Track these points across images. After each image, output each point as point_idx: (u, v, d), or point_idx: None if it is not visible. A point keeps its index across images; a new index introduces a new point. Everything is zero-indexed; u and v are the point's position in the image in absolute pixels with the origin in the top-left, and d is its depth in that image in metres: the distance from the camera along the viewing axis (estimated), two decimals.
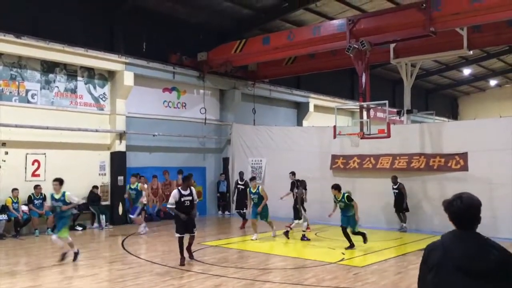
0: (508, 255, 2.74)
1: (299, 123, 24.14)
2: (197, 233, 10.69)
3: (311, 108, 24.37)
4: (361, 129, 14.03)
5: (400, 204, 14.68)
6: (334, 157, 16.99)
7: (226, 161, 20.42)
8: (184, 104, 19.28)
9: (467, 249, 2.80)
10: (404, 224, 14.75)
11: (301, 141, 18.18)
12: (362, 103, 14.17)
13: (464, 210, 2.92)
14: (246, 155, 19.67)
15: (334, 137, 14.59)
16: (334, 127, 14.57)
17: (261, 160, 19.25)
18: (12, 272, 9.59)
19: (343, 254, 11.05)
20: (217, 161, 20.59)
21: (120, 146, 16.70)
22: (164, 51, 18.11)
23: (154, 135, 17.62)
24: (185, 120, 19.09)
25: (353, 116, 25.21)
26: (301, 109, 24.53)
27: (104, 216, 15.80)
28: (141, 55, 17.14)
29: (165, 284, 8.21)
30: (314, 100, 24.46)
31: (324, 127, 17.33)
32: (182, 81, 18.77)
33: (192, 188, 10.34)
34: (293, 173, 15.28)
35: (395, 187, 14.73)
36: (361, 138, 13.98)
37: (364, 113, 14.24)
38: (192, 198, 10.05)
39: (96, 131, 16.13)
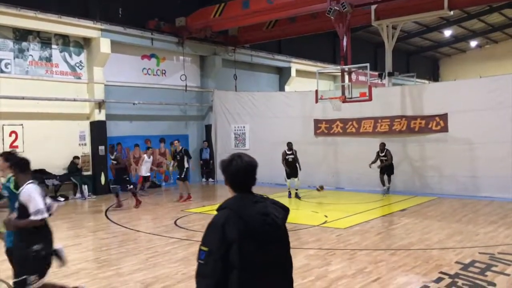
0: (288, 212, 2.69)
1: (281, 88, 23.99)
2: (181, 200, 10.72)
3: (293, 73, 24.18)
4: (343, 93, 13.98)
5: (390, 170, 14.46)
6: (317, 122, 16.99)
7: (208, 128, 20.29)
8: (163, 71, 18.94)
9: (263, 211, 2.57)
10: (388, 185, 14.73)
11: (283, 106, 18.10)
12: (344, 66, 14.07)
13: (247, 169, 2.66)
14: (229, 122, 19.56)
15: (316, 101, 14.54)
16: (316, 91, 14.49)
17: (244, 127, 19.17)
18: None
19: (326, 217, 11.19)
20: (200, 128, 20.45)
21: (100, 115, 16.41)
22: (141, 17, 17.61)
23: (134, 104, 17.34)
24: (165, 87, 18.80)
25: (335, 80, 25.16)
26: (283, 74, 24.33)
27: (86, 186, 15.67)
28: (117, 21, 16.64)
29: (149, 251, 8.23)
30: (295, 65, 24.24)
31: (306, 92, 17.25)
32: (161, 47, 18.36)
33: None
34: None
35: (382, 154, 14.40)
36: (343, 102, 13.96)
37: (346, 77, 14.16)
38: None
39: (74, 100, 15.78)
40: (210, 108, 20.27)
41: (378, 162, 14.33)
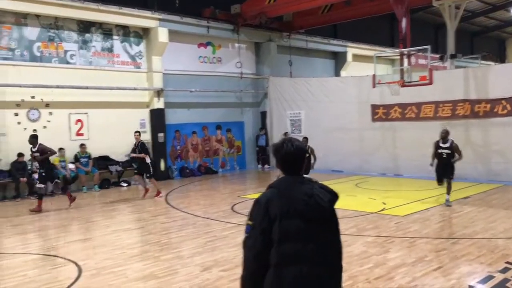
0: (336, 196, 2.82)
1: (337, 73, 23.60)
2: (237, 187, 10.99)
3: (349, 57, 23.71)
4: (402, 77, 13.55)
5: (450, 171, 10.49)
6: (374, 107, 16.59)
7: (264, 115, 20.35)
8: (219, 59, 19.14)
9: (307, 193, 2.70)
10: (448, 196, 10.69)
11: (339, 92, 17.81)
12: (403, 49, 13.60)
13: (296, 153, 2.80)
14: (284, 108, 19.51)
15: (374, 86, 14.19)
16: (373, 75, 14.14)
17: (299, 113, 19.06)
18: (64, 226, 10.08)
19: (384, 204, 10.97)
20: (255, 115, 20.54)
21: (159, 104, 16.88)
22: (197, 5, 17.84)
23: (191, 91, 17.66)
24: (221, 75, 19.01)
25: (393, 64, 24.36)
26: (338, 59, 23.92)
27: None
28: (174, 11, 16.96)
29: (208, 236, 8.42)
30: (352, 49, 23.74)
31: (363, 77, 16.85)
32: (216, 35, 18.55)
33: None
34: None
35: (444, 145, 10.49)
36: (401, 86, 13.53)
37: (405, 60, 13.69)
38: None
39: (134, 89, 16.31)
40: (265, 95, 20.29)
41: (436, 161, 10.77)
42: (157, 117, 16.92)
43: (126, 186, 15.68)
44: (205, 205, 11.92)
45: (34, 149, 11.48)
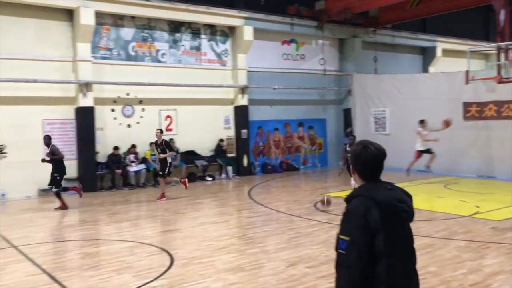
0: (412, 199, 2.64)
1: (425, 69, 22.64)
2: (319, 184, 11.10)
3: (439, 53, 22.64)
4: (499, 73, 12.74)
5: None
6: (467, 105, 15.70)
7: (346, 112, 20.03)
8: (302, 56, 19.13)
9: (398, 198, 2.52)
10: None
11: (428, 88, 17.04)
12: (500, 43, 12.76)
13: (377, 157, 2.58)
14: (368, 106, 19.06)
15: (467, 82, 13.48)
16: (467, 71, 13.43)
17: (384, 110, 18.52)
18: (154, 216, 10.64)
19: (477, 207, 10.37)
20: (338, 112, 20.29)
21: (243, 100, 17.22)
22: (281, 3, 17.95)
23: (274, 89, 17.82)
24: (304, 72, 18.99)
25: (488, 59, 22.93)
26: (427, 55, 22.93)
27: (230, 168, 16.64)
28: (259, 9, 17.19)
29: (292, 232, 8.48)
30: (442, 44, 22.63)
31: (454, 73, 16.01)
32: (300, 32, 18.55)
33: None
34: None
35: None
36: (498, 83, 12.73)
37: (502, 55, 12.85)
38: None
39: (220, 86, 16.77)
40: (348, 92, 19.97)
41: None
42: (241, 113, 17.29)
43: (211, 180, 16.18)
44: (287, 201, 11.99)
45: (47, 150, 11.33)
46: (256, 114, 17.78)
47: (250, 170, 17.49)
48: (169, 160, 12.33)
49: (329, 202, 10.15)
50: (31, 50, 13.36)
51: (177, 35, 16.04)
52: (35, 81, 13.18)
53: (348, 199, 2.56)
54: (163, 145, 12.26)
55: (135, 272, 6.28)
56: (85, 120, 14.06)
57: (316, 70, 19.13)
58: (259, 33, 17.19)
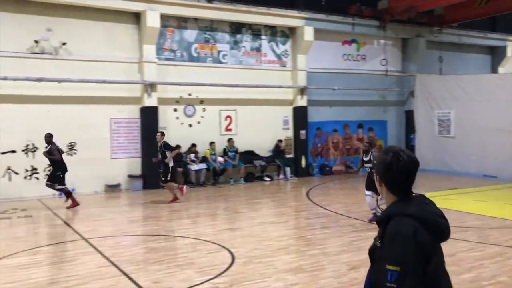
0: None
1: (494, 70, 21.58)
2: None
3: (509, 52, 21.51)
4: None
5: None
6: None
7: (409, 114, 19.47)
8: (363, 56, 18.80)
9: (439, 213, 2.18)
10: None
11: (497, 90, 16.23)
12: None
13: (412, 167, 2.20)
14: (432, 107, 18.42)
15: None
16: None
17: (449, 112, 17.83)
18: (213, 215, 10.85)
19: None
20: (399, 114, 19.77)
21: (302, 101, 17.18)
22: (343, 3, 17.73)
23: (334, 89, 17.63)
24: (365, 72, 18.65)
25: None
26: (496, 55, 21.85)
27: (288, 168, 16.64)
28: (320, 9, 17.07)
29: (352, 235, 8.36)
30: None
31: None
32: (361, 32, 18.24)
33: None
34: None
35: None
36: None
37: None
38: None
39: (279, 87, 16.81)
40: (411, 93, 19.39)
41: None
42: (299, 114, 17.24)
43: (269, 180, 16.25)
44: (347, 203, 11.83)
45: (46, 148, 11.37)
46: (315, 115, 17.67)
47: (308, 171, 17.41)
48: (171, 164, 11.73)
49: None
50: (100, 52, 14.00)
51: (238, 36, 16.25)
52: (104, 81, 13.80)
53: (382, 220, 2.18)
54: (163, 148, 11.77)
55: (198, 268, 6.43)
56: (149, 119, 14.55)
57: (377, 71, 18.74)
58: (319, 34, 17.07)
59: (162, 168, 12.01)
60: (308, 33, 16.67)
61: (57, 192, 12.95)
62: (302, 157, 17.22)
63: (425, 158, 16.41)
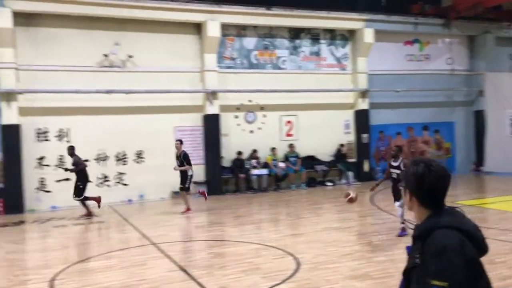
0: None
1: None
2: (449, 192, 10.55)
3: None
4: None
5: None
6: None
7: (478, 114, 18.59)
8: (427, 56, 18.20)
9: (476, 226, 2.07)
10: None
11: None
12: None
13: (446, 179, 2.08)
14: (503, 107, 17.50)
15: None
16: None
17: None
18: (276, 220, 10.88)
19: None
20: (467, 115, 18.91)
21: (363, 104, 16.89)
22: (404, 3, 17.28)
23: (397, 91, 17.18)
24: (429, 72, 18.05)
25: None
26: None
27: (351, 173, 16.39)
28: (380, 10, 16.73)
29: None
30: None
31: None
32: (424, 31, 17.67)
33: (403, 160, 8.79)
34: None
35: None
36: None
37: None
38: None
39: (340, 91, 16.63)
40: (480, 93, 18.52)
41: None
42: (361, 118, 16.96)
43: (331, 185, 16.08)
44: None
45: (71, 160, 11.75)
46: (377, 118, 17.30)
47: (371, 175, 17.04)
48: (189, 173, 11.76)
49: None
50: (164, 63, 14.49)
51: (297, 41, 16.27)
52: (168, 91, 14.27)
53: (421, 235, 2.04)
54: (182, 158, 11.74)
55: (263, 273, 6.47)
56: (211, 126, 14.87)
57: (442, 70, 18.08)
58: (380, 35, 16.72)
59: (180, 176, 11.89)
60: (368, 35, 16.39)
61: (126, 199, 13.55)
62: (365, 161, 16.90)
63: (496, 160, 15.60)
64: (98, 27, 13.75)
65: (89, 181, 11.91)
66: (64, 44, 13.37)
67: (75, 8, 13.04)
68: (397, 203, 8.76)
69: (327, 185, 16.08)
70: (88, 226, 10.71)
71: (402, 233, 8.50)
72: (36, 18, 13.11)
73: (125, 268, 7.06)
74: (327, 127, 16.54)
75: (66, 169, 11.87)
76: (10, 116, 12.66)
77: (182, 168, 11.68)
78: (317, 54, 16.58)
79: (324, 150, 16.55)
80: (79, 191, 11.55)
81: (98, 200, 11.90)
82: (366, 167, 16.92)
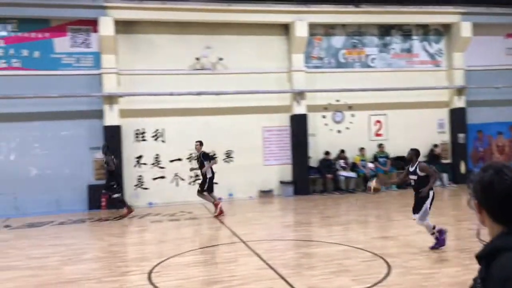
0: None
1: None
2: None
3: None
4: None
5: None
6: None
7: None
8: None
9: None
10: None
11: None
12: None
13: None
14: None
15: None
16: None
17: None
18: (365, 222, 10.64)
19: None
20: None
21: (459, 102, 15.98)
22: None
23: (497, 88, 16.03)
24: None
25: None
26: None
27: (445, 175, 15.56)
28: (478, 2, 15.70)
29: None
30: None
31: None
32: None
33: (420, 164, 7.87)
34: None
35: None
36: None
37: None
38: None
39: (434, 88, 15.87)
40: None
41: None
42: (457, 116, 16.05)
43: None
44: None
45: (104, 159, 12.18)
46: (475, 116, 16.25)
47: (468, 177, 16.03)
48: (209, 175, 11.50)
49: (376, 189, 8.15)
50: (252, 64, 14.77)
51: (387, 38, 15.79)
52: (256, 92, 14.53)
53: (485, 256, 1.70)
54: (201, 158, 11.59)
55: (353, 276, 6.36)
56: (298, 126, 14.89)
57: None
58: (477, 28, 15.70)
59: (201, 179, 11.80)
60: (465, 28, 15.48)
61: (217, 197, 13.96)
62: (461, 162, 15.96)
63: None
64: (190, 32, 14.35)
65: (119, 181, 12.39)
66: (159, 49, 14.12)
67: (170, 15, 13.73)
68: (416, 216, 7.78)
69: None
70: (182, 222, 11.21)
71: (436, 246, 7.60)
72: (134, 26, 13.99)
73: (217, 264, 7.31)
74: (419, 127, 15.85)
75: (104, 167, 12.34)
76: (112, 117, 13.61)
77: (207, 167, 11.48)
78: (408, 50, 15.96)
79: None
80: (112, 190, 12.06)
81: (130, 210, 12.14)
82: (462, 168, 15.96)
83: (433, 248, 7.61)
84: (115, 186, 12.09)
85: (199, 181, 12.03)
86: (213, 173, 11.57)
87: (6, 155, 13.31)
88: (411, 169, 7.93)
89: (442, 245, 7.61)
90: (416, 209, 7.83)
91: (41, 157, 13.37)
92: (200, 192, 11.68)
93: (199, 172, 14.03)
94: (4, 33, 13.20)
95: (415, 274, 6.35)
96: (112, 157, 12.19)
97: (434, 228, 7.70)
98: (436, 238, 7.67)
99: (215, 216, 11.38)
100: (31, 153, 13.41)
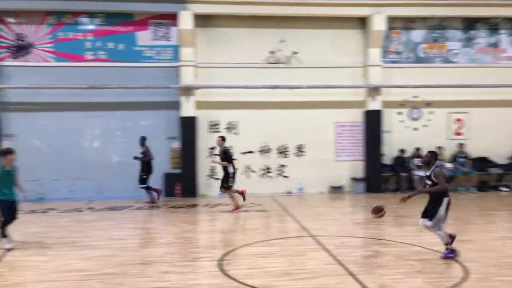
0: None
1: None
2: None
3: None
4: None
5: None
6: None
7: None
8: None
9: None
10: None
11: None
12: None
13: None
14: None
15: None
16: None
17: None
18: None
19: None
20: None
21: None
22: None
23: None
24: None
25: None
26: None
27: None
28: None
29: None
30: None
31: None
32: None
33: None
34: None
35: None
36: None
37: None
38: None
39: None
40: None
41: None
42: None
43: (507, 191, 14.48)
44: None
45: (140, 150, 12.67)
46: None
47: None
48: (230, 170, 11.39)
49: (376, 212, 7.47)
50: (326, 59, 14.60)
51: (472, 32, 14.96)
52: (330, 86, 14.35)
53: None
54: (222, 154, 11.51)
55: (426, 278, 6.16)
56: (372, 123, 14.54)
57: None
58: None
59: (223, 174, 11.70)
60: None
61: (286, 190, 14.04)
62: None
63: None
64: (264, 25, 14.44)
65: (151, 173, 12.73)
66: (235, 42, 14.34)
67: (245, 9, 13.89)
68: (424, 221, 7.22)
69: (501, 190, 14.52)
70: (252, 214, 11.38)
71: (448, 255, 7.04)
72: (212, 19, 14.31)
73: (286, 256, 7.34)
74: (505, 126, 14.91)
75: (135, 157, 12.62)
76: (188, 109, 14.06)
77: (222, 163, 11.51)
78: (495, 45, 15.03)
79: (500, 152, 14.96)
80: (142, 180, 12.63)
81: (158, 192, 12.81)
82: None
83: (445, 257, 7.06)
84: (145, 177, 12.66)
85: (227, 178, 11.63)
86: (234, 169, 11.57)
87: (91, 142, 14.19)
88: (427, 173, 7.45)
89: (453, 256, 7.05)
90: (425, 214, 7.34)
91: (122, 144, 14.10)
92: (224, 189, 11.66)
93: (270, 165, 14.14)
94: (92, 27, 14.03)
95: (495, 281, 6.02)
96: (149, 149, 12.77)
97: (448, 244, 7.12)
98: (451, 250, 7.11)
99: (230, 211, 11.49)
100: (113, 141, 14.19)
